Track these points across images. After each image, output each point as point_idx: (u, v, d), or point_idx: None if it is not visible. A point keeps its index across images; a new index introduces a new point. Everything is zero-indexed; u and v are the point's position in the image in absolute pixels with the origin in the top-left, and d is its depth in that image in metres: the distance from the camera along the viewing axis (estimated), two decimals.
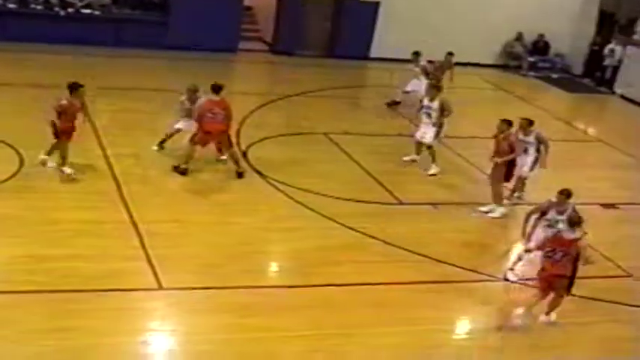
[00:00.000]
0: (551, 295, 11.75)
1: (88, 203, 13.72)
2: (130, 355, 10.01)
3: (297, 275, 12.52)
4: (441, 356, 10.86)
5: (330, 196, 15.20)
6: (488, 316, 12.26)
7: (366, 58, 27.30)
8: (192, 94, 15.80)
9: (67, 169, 14.49)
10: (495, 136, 15.46)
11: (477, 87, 23.55)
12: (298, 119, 19.61)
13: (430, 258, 13.40)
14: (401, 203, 15.60)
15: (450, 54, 22.37)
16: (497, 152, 15.31)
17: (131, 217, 13.31)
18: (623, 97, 27.11)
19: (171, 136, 16.00)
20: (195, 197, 14.62)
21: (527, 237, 12.96)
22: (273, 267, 13.14)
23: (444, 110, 17.03)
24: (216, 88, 15.21)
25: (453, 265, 13.29)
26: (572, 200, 12.82)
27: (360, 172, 16.82)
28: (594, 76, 28.88)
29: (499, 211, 15.54)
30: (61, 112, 14.23)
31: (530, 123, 15.77)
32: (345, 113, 21.11)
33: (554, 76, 28.99)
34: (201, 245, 12.81)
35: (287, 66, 25.32)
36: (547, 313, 11.87)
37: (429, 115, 17.04)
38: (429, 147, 17.22)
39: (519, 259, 13.29)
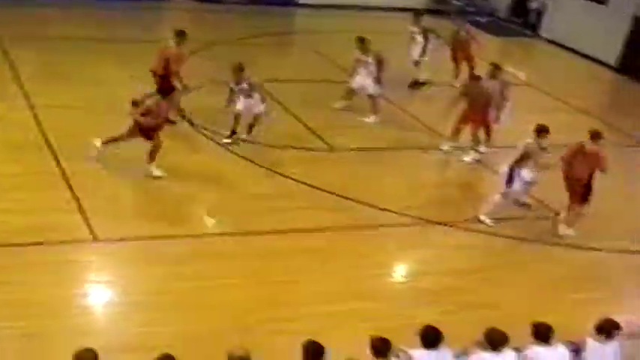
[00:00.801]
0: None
1: (16, 155, 13.50)
2: (68, 307, 9.94)
3: (231, 223, 12.55)
4: (377, 299, 10.95)
5: (262, 144, 15.21)
6: (422, 258, 12.51)
7: (295, 4, 27.11)
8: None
9: None
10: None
11: (406, 32, 23.48)
12: (226, 67, 19.40)
13: (362, 203, 13.51)
14: (331, 149, 15.67)
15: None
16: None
17: (61, 169, 13.15)
18: (548, 40, 27.45)
19: (237, 121, 15.41)
20: (127, 148, 14.41)
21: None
22: (208, 216, 13.09)
23: (381, 64, 17.24)
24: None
25: (385, 209, 13.41)
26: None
27: (292, 120, 16.83)
28: (521, 19, 29.13)
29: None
30: None
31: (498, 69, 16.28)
32: (273, 60, 20.96)
33: (481, 19, 29.15)
34: (134, 196, 12.74)
35: (213, 13, 24.98)
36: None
37: (366, 68, 17.20)
38: (372, 96, 17.37)
39: (495, 203, 13.52)
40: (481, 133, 16.09)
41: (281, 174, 14.16)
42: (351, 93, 17.64)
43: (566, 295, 11.63)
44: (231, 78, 15.29)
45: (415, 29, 19.91)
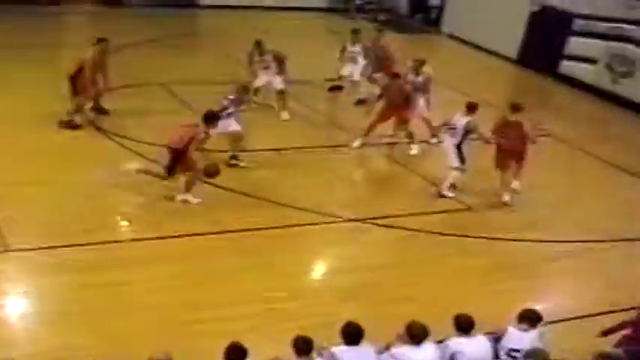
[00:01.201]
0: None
1: None
2: None
3: (147, 228, 12.43)
4: (297, 298, 10.98)
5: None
6: (339, 256, 12.66)
7: (196, 5, 26.97)
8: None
9: None
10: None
11: (309, 31, 23.67)
12: (134, 70, 19.26)
13: (277, 203, 13.55)
14: (243, 150, 15.63)
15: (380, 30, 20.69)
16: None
17: None
18: (450, 35, 27.91)
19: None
20: (37, 156, 14.20)
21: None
22: (123, 221, 12.91)
23: (281, 62, 17.59)
24: None
25: (301, 208, 13.48)
26: None
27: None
28: (421, 16, 29.52)
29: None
30: None
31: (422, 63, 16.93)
32: (180, 62, 20.86)
33: (382, 17, 29.45)
34: (46, 204, 12.53)
35: (118, 17, 24.68)
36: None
37: (267, 67, 17.53)
38: (281, 92, 17.57)
39: (454, 177, 14.47)
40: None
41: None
42: (257, 93, 17.68)
43: (484, 286, 11.86)
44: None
45: (356, 49, 19.21)
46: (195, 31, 25.79)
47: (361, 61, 19.12)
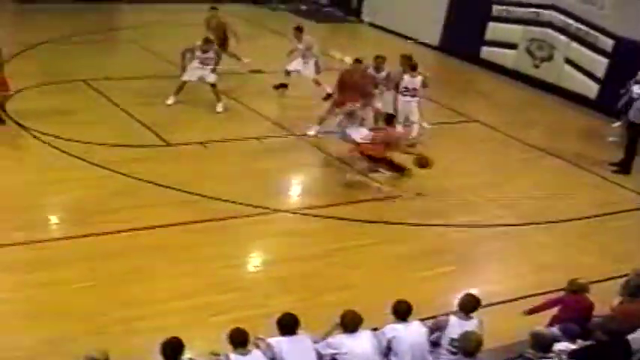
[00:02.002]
0: None
1: None
2: None
3: (74, 226, 12.26)
4: (231, 291, 10.96)
5: (98, 144, 14.95)
6: (272, 247, 12.66)
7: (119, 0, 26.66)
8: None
9: None
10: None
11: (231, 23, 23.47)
12: (55, 67, 18.98)
13: (204, 196, 13.49)
14: (168, 145, 15.57)
15: (214, 8, 20.68)
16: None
17: None
18: (371, 24, 28.06)
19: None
20: None
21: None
22: (50, 220, 12.75)
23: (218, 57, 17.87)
24: None
25: (228, 200, 13.44)
26: None
27: (124, 117, 16.60)
28: (342, 5, 29.61)
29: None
30: None
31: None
32: (101, 58, 20.61)
33: (303, 7, 29.54)
34: None
35: (35, 13, 24.21)
36: None
37: (204, 61, 17.60)
38: (214, 85, 17.64)
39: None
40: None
41: (121, 173, 13.93)
42: (181, 88, 17.62)
43: (415, 272, 11.95)
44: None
45: (301, 46, 19.04)
46: (116, 26, 25.45)
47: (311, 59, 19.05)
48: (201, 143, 15.70)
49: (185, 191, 13.57)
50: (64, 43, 21.30)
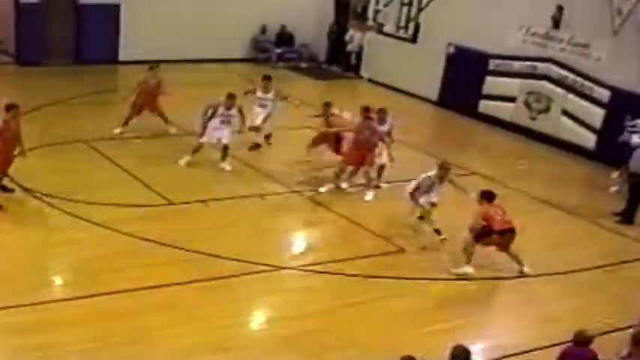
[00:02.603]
0: None
1: None
2: None
3: (78, 287, 12.25)
4: (235, 349, 10.91)
5: (101, 204, 14.93)
6: (275, 304, 12.58)
7: (116, 61, 26.80)
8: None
9: None
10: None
11: (232, 82, 23.58)
12: (56, 129, 19.02)
13: (208, 254, 13.44)
14: (171, 203, 15.55)
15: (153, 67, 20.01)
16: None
17: None
18: (370, 80, 28.22)
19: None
20: None
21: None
22: (54, 281, 12.77)
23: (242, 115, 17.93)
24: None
25: (233, 259, 13.39)
26: None
27: (126, 177, 16.60)
28: (341, 62, 29.81)
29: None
30: None
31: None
32: (102, 118, 20.63)
33: (303, 65, 29.72)
34: None
35: (36, 76, 24.32)
36: None
37: (226, 120, 17.48)
38: (226, 147, 17.58)
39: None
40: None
41: (124, 233, 13.90)
42: (197, 149, 17.64)
43: (422, 327, 11.91)
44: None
45: (269, 96, 19.29)
46: (114, 87, 25.57)
47: (270, 107, 19.21)
48: (202, 201, 15.66)
49: (189, 250, 13.53)
50: (67, 104, 21.40)
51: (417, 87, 26.15)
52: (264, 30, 29.58)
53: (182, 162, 17.50)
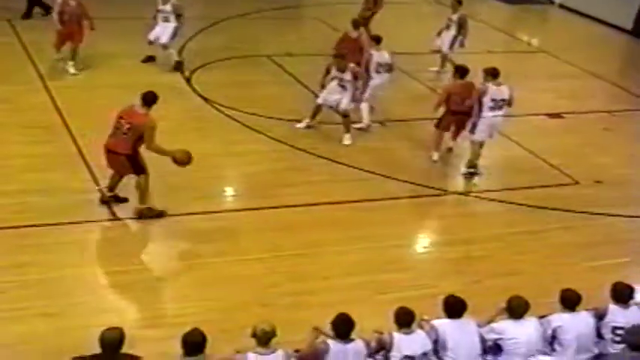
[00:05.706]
0: None
1: (34, 137, 13.56)
2: (94, 284, 10.07)
3: (251, 198, 12.58)
4: (400, 270, 10.94)
5: (278, 119, 15.21)
6: (443, 228, 12.56)
7: None
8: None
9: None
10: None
11: (413, 2, 23.28)
12: (239, 42, 19.38)
13: (380, 175, 13.49)
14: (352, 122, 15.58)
15: None
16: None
17: (79, 150, 13.20)
18: (562, 6, 27.22)
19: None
20: None
21: None
22: (227, 192, 13.16)
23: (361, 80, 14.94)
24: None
25: (402, 180, 13.39)
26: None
27: (306, 94, 16.69)
28: None
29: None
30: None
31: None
32: (286, 34, 20.90)
33: None
34: (151, 173, 12.67)
35: None
36: None
37: (341, 83, 14.70)
38: (346, 116, 14.87)
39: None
40: None
41: (298, 148, 14.16)
42: (316, 112, 15.38)
43: (588, 262, 11.56)
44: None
45: (453, 17, 18.12)
46: (300, 2, 25.71)
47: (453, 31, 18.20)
48: (380, 122, 15.66)
49: (360, 169, 13.63)
50: (251, 17, 21.74)
51: (610, 15, 24.97)
52: None
53: (300, 125, 15.15)
